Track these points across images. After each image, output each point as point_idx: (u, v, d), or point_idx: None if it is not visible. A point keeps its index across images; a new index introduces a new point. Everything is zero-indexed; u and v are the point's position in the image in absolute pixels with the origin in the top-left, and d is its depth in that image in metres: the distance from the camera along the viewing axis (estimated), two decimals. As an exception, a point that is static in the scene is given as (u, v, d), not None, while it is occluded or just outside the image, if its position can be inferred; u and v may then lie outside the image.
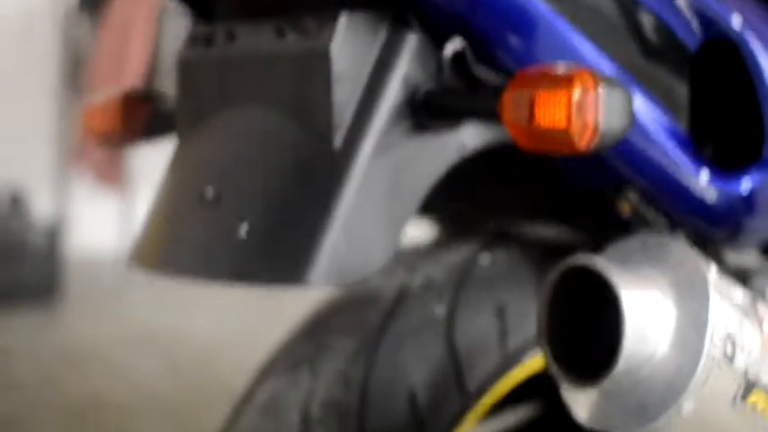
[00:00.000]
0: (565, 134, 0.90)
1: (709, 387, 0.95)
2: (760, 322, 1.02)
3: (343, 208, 0.98)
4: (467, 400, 1.19)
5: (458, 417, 1.19)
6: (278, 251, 0.98)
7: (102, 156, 4.63)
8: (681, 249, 0.98)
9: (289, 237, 0.98)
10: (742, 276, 1.29)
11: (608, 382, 0.92)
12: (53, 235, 4.43)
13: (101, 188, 4.72)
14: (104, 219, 5.10)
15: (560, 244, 1.27)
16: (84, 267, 4.96)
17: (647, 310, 0.94)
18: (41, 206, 4.77)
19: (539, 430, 1.59)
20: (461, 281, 1.23)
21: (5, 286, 4.26)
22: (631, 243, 1.01)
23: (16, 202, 4.44)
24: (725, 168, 1.19)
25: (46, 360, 3.62)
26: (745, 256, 1.37)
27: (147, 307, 4.42)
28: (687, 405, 0.94)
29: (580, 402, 0.98)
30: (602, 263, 0.91)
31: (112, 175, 4.64)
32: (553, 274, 0.94)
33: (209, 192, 1.03)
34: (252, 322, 4.09)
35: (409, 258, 1.30)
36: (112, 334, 3.95)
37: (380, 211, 1.00)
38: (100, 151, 4.62)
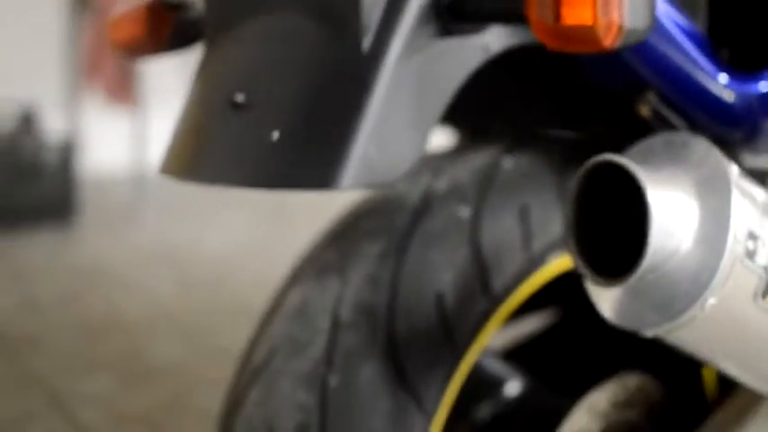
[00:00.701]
0: (590, 31, 0.92)
1: (731, 283, 0.97)
2: (780, 219, 1.04)
3: (373, 110, 0.99)
4: (492, 301, 1.21)
5: (483, 318, 1.21)
6: (308, 155, 0.99)
7: (114, 73, 4.62)
8: (703, 148, 1.00)
9: (319, 140, 0.99)
10: (759, 178, 1.31)
11: (634, 279, 0.95)
12: (67, 153, 4.43)
13: (113, 106, 4.71)
14: (117, 136, 5.11)
15: (582, 146, 1.29)
16: (99, 186, 4.98)
17: (672, 208, 0.96)
18: (54, 124, 4.77)
19: (559, 336, 1.62)
20: (485, 183, 1.25)
21: (20, 205, 4.27)
22: (654, 142, 1.03)
23: (29, 121, 4.44)
24: (742, 71, 1.20)
25: (62, 279, 3.64)
26: (762, 159, 1.38)
27: (162, 224, 4.45)
28: (710, 301, 0.96)
29: (606, 300, 1.01)
30: (628, 161, 0.93)
31: (125, 93, 4.63)
32: (580, 172, 0.96)
33: (240, 97, 1.03)
34: (265, 239, 4.11)
35: (434, 163, 1.31)
36: (128, 252, 3.98)
37: (408, 113, 1.01)
38: (112, 68, 4.60)
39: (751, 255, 0.98)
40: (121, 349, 3.05)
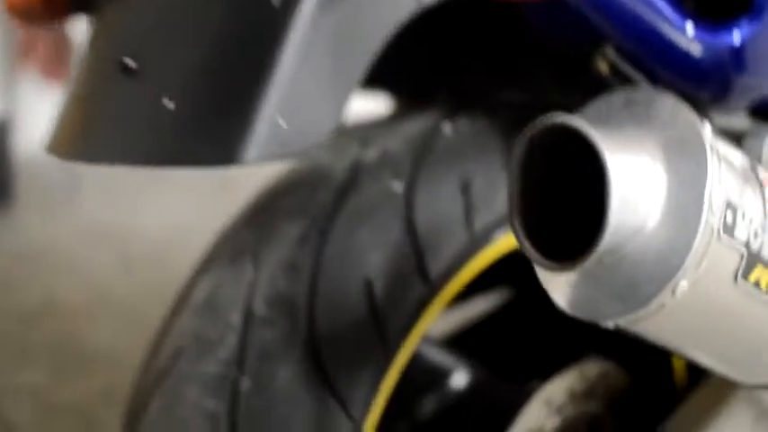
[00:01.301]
0: None
1: (708, 262, 0.82)
2: (762, 188, 0.89)
3: (283, 72, 0.85)
4: (429, 286, 1.06)
5: (420, 306, 1.06)
6: (208, 126, 0.86)
7: (48, 50, 4.46)
8: (671, 106, 0.84)
9: (220, 108, 0.86)
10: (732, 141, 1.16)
11: (591, 262, 0.79)
12: (2, 134, 4.28)
13: (49, 83, 4.55)
14: (54, 115, 4.92)
15: (532, 110, 1.12)
16: (35, 166, 4.80)
17: (635, 176, 0.80)
18: (-13, 105, 4.59)
19: (510, 320, 1.46)
20: (421, 153, 1.10)
21: (-46, 188, 4.11)
22: (613, 100, 0.87)
23: (-39, 101, 4.27)
24: (711, 21, 1.05)
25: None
26: (735, 119, 1.24)
27: (100, 204, 4.28)
28: (682, 284, 0.81)
29: (560, 287, 0.85)
30: (582, 122, 0.78)
31: (60, 70, 4.47)
32: (525, 136, 0.80)
33: (130, 61, 0.90)
34: (207, 216, 3.95)
35: (364, 131, 1.16)
36: (66, 234, 3.82)
37: (325, 74, 0.88)
38: (46, 45, 4.45)
39: (729, 229, 0.83)
40: (57, 336, 2.90)
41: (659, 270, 0.81)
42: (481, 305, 1.42)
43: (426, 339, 1.27)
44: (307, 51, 0.86)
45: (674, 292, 0.81)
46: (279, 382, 1.01)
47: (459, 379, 1.29)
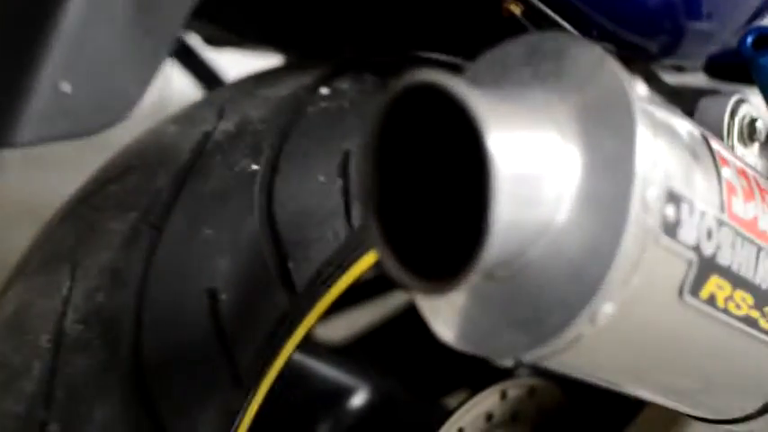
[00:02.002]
0: None
1: (641, 276, 0.58)
2: (717, 169, 0.65)
3: (67, 29, 0.65)
4: (295, 300, 0.82)
5: (283, 323, 0.82)
6: None
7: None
8: (592, 56, 0.60)
9: None
10: (682, 102, 0.92)
11: (478, 278, 0.55)
12: None
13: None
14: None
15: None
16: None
17: (533, 157, 0.56)
18: None
19: (415, 323, 1.22)
20: (288, 124, 0.85)
21: None
22: (513, 51, 0.63)
23: None
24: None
25: None
26: (688, 77, 1.01)
27: (24, 176, 4.02)
28: (605, 308, 0.57)
29: (441, 315, 0.61)
30: (454, 80, 0.53)
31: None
32: (379, 103, 0.55)
33: None
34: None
35: (223, 97, 0.91)
36: (-16, 209, 3.56)
37: (126, 27, 0.68)
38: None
39: (672, 228, 0.60)
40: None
41: (572, 289, 0.57)
42: (379, 308, 1.18)
43: (315, 349, 1.03)
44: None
45: (593, 318, 0.57)
46: (95, 426, 0.77)
47: (360, 398, 1.05)
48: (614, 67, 0.60)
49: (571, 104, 0.59)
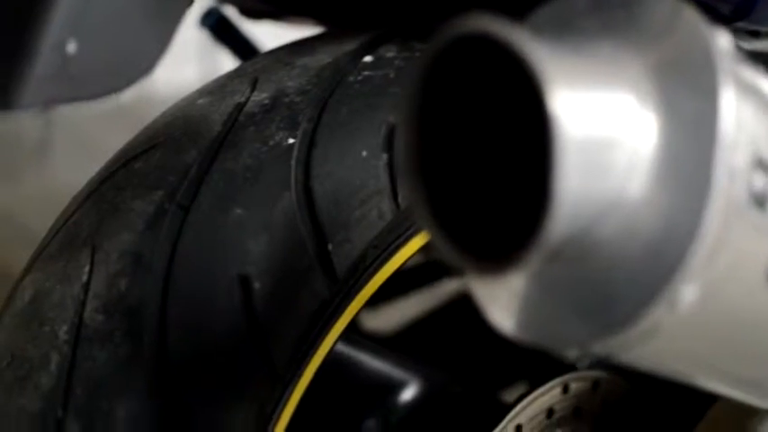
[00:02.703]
0: None
1: (727, 255, 0.51)
2: (810, 132, 0.57)
3: None
4: (336, 286, 0.75)
5: (322, 314, 0.75)
6: None
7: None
8: (666, 4, 0.52)
9: None
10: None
11: (541, 259, 0.48)
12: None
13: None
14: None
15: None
16: (2, 123, 4.53)
17: (603, 119, 0.49)
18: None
19: (466, 312, 1.14)
20: (328, 94, 0.78)
21: None
22: (578, 0, 0.55)
23: None
24: None
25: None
26: (765, 43, 0.93)
27: (75, 166, 3.99)
28: (687, 291, 0.50)
29: (499, 302, 0.54)
30: (515, 32, 0.46)
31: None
32: (423, 57, 0.48)
33: None
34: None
35: (258, 66, 0.85)
36: (33, 200, 3.53)
37: None
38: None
39: (761, 200, 0.52)
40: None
41: (648, 270, 0.50)
42: (430, 296, 1.10)
43: (360, 341, 0.96)
44: None
45: (672, 303, 0.50)
46: (118, 425, 0.70)
47: (410, 392, 0.98)
48: (694, 17, 0.53)
49: (645, 59, 0.52)
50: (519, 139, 0.49)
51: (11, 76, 0.59)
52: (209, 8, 1.20)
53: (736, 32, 0.91)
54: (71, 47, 0.59)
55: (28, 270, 0.79)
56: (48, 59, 0.59)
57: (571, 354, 0.54)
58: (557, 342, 0.54)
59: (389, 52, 0.83)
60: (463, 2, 0.89)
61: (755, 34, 0.94)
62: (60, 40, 0.59)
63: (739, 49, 0.75)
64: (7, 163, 4.06)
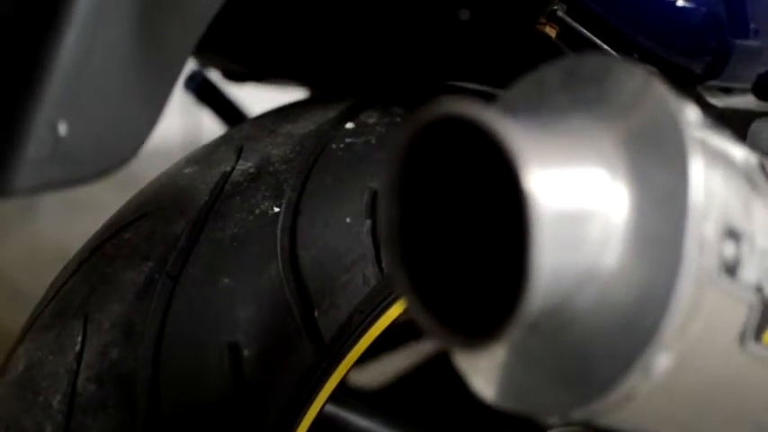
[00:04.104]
0: None
1: (699, 324, 0.52)
2: (777, 198, 0.59)
3: (63, 63, 0.60)
4: (323, 352, 0.76)
5: (312, 376, 0.76)
6: None
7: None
8: (637, 79, 0.54)
9: None
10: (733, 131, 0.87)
11: (520, 331, 0.49)
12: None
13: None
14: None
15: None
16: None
17: (576, 194, 0.50)
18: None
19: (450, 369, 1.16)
20: (311, 163, 0.80)
21: None
22: (550, 76, 0.57)
23: None
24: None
25: (-57, 286, 3.19)
26: (737, 99, 0.94)
27: (62, 220, 3.99)
28: (661, 360, 0.51)
29: (480, 371, 0.56)
30: (490, 112, 0.48)
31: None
32: (403, 137, 0.50)
33: None
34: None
35: (243, 134, 0.86)
36: (20, 254, 3.53)
37: (128, 61, 0.63)
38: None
39: (731, 268, 0.54)
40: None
41: (624, 339, 0.51)
42: (413, 352, 1.12)
43: (346, 400, 0.98)
44: (98, 31, 0.61)
45: (647, 372, 0.51)
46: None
47: None
48: (662, 90, 0.54)
49: (616, 133, 0.53)
50: (496, 214, 0.51)
51: (2, 160, 0.60)
52: (192, 71, 1.22)
53: (709, 90, 0.93)
54: (62, 128, 0.60)
55: (21, 339, 0.81)
56: (39, 141, 0.60)
57: (551, 420, 0.55)
58: (537, 410, 0.55)
59: (370, 118, 0.85)
60: (439, 67, 0.92)
61: (728, 91, 0.97)
62: (51, 122, 0.60)
63: (712, 114, 0.77)
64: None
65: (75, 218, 3.93)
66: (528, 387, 0.55)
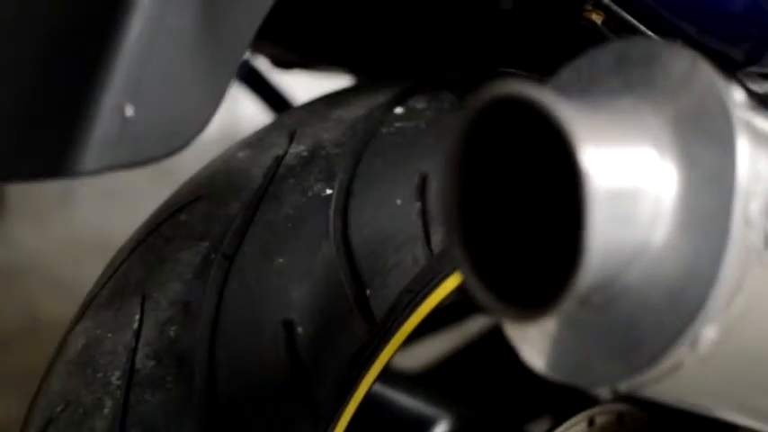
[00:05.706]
0: None
1: (745, 297, 0.54)
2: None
3: (130, 49, 0.62)
4: (374, 329, 0.79)
5: (363, 353, 0.78)
6: (34, 131, 0.65)
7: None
8: (685, 63, 0.56)
9: (51, 107, 0.64)
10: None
11: (571, 304, 0.51)
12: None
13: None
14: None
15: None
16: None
17: (628, 172, 0.52)
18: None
19: (491, 351, 1.18)
20: (362, 146, 0.82)
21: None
22: (600, 59, 0.59)
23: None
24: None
25: (-16, 277, 3.23)
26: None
27: (98, 212, 4.02)
28: (707, 333, 0.54)
29: (531, 341, 0.58)
30: (544, 92, 0.50)
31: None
32: (461, 117, 0.52)
33: None
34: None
35: (294, 119, 0.89)
36: (57, 246, 3.56)
37: (192, 47, 0.66)
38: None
39: (776, 244, 0.55)
40: (35, 364, 2.63)
41: (671, 313, 0.54)
42: (456, 336, 1.14)
43: (393, 379, 1.00)
44: (161, 22, 0.64)
45: (694, 344, 0.53)
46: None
47: (441, 428, 1.01)
48: (709, 72, 0.56)
49: (665, 114, 0.55)
50: (551, 191, 0.53)
51: (71, 141, 0.63)
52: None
53: (749, 76, 0.94)
54: (129, 110, 0.63)
55: (79, 318, 0.83)
56: (107, 123, 0.62)
57: (600, 391, 0.58)
58: (586, 380, 0.57)
59: (419, 103, 0.87)
60: (486, 54, 0.94)
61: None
62: (118, 104, 0.62)
63: (753, 99, 0.79)
64: (34, 208, 4.10)
65: (111, 206, 3.96)
66: (577, 358, 0.57)
